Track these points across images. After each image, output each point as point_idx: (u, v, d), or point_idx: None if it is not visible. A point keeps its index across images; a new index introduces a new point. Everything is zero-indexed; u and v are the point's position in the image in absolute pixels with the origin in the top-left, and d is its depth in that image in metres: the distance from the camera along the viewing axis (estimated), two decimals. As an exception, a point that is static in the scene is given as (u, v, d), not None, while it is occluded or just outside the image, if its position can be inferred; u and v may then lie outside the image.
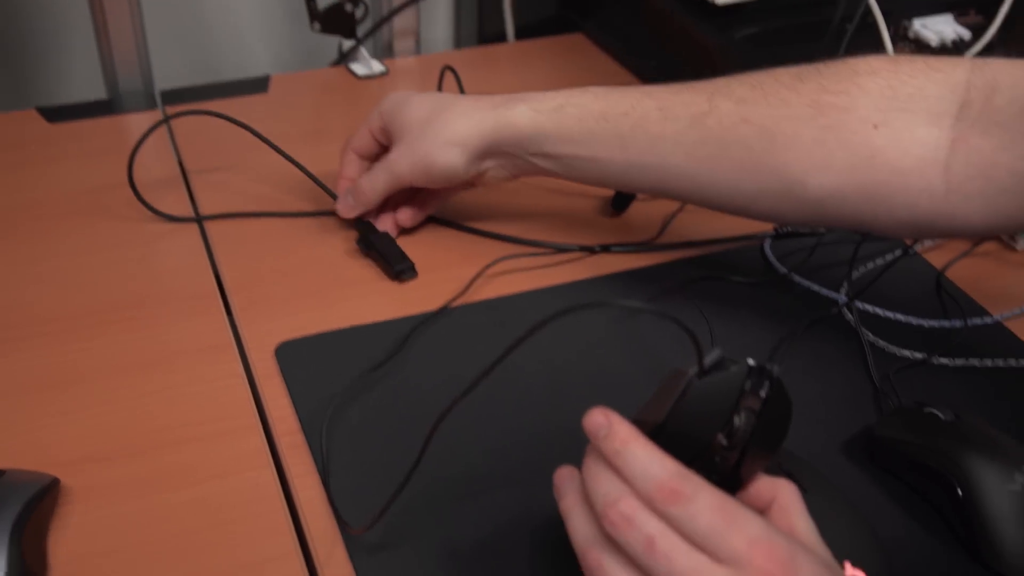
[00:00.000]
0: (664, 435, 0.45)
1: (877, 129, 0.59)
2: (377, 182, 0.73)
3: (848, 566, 0.50)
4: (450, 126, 0.69)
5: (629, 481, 0.43)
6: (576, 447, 0.46)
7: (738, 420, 0.45)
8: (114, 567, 0.52)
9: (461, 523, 0.55)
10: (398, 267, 0.73)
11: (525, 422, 0.62)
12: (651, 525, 0.42)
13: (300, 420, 0.61)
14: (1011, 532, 0.53)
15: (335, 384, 0.63)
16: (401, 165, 0.71)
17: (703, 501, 0.42)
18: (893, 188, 0.59)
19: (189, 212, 0.79)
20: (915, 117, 0.59)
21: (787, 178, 0.62)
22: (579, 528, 0.45)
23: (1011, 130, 0.57)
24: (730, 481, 0.45)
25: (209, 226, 0.77)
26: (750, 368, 0.46)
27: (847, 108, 0.60)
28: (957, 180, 0.58)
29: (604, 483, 0.43)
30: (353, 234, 0.76)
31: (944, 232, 0.61)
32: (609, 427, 0.45)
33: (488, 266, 0.73)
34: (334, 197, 0.77)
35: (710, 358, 0.46)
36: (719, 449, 0.45)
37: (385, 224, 0.76)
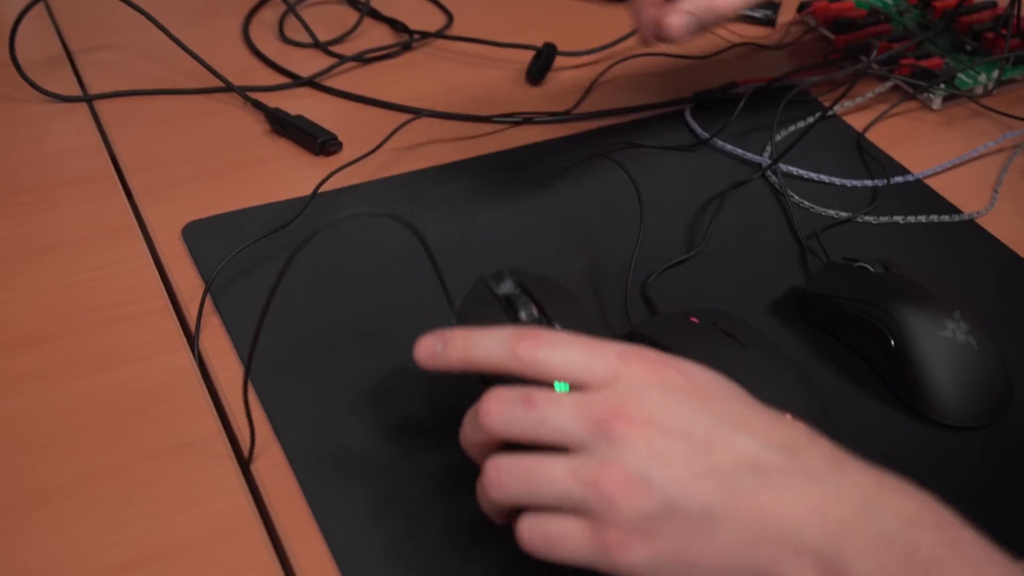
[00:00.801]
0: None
1: None
2: None
3: (789, 418, 0.50)
4: None
5: (486, 358, 0.42)
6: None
7: (525, 315, 0.48)
8: (28, 459, 0.49)
9: (365, 375, 0.54)
10: (322, 138, 0.69)
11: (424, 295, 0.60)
12: (520, 389, 0.41)
13: (213, 300, 0.58)
14: (943, 378, 0.53)
15: (248, 262, 0.60)
16: None
17: (558, 336, 0.41)
18: None
19: (77, 91, 0.74)
20: None
21: None
22: (470, 447, 0.44)
23: None
24: None
25: (100, 106, 0.72)
26: (485, 277, 0.50)
27: None
28: None
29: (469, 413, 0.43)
30: (258, 114, 0.72)
31: None
32: (441, 339, 0.43)
33: (401, 126, 0.70)
34: (226, 83, 0.73)
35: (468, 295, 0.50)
36: None
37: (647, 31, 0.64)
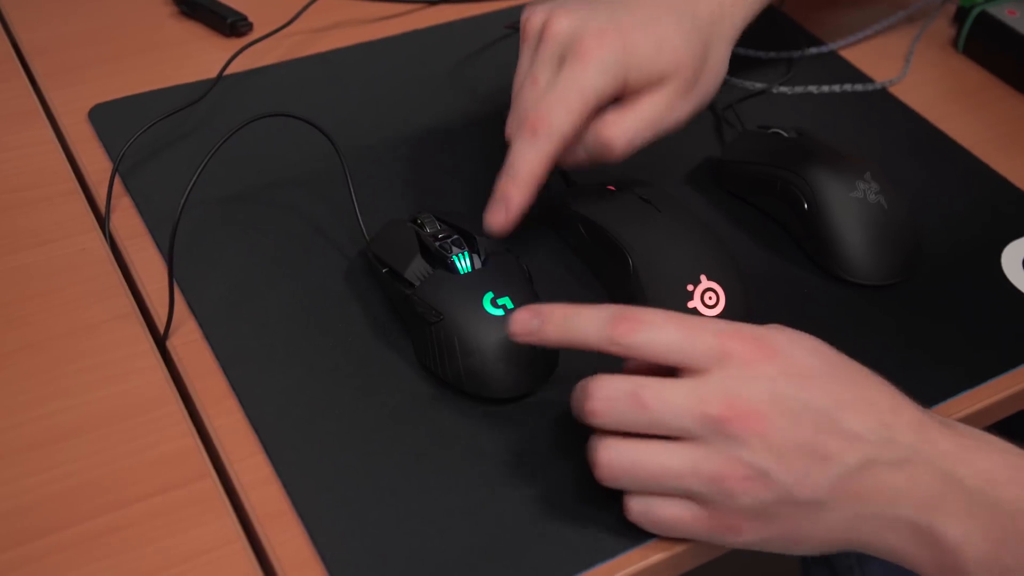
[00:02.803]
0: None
1: None
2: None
3: (704, 279, 0.51)
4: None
5: (583, 339, 0.42)
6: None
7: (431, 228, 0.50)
8: (-67, 342, 0.48)
9: (280, 248, 0.54)
10: (231, 19, 0.67)
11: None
12: (624, 384, 0.41)
13: (123, 181, 0.56)
14: (854, 239, 0.54)
15: (157, 143, 0.59)
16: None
17: (654, 317, 0.41)
18: None
19: (-27, -25, 0.71)
20: None
21: None
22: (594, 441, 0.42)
23: None
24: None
25: (-2, -10, 0.70)
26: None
27: None
28: None
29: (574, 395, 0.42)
30: (164, -6, 0.70)
31: None
32: (538, 316, 0.43)
33: (310, 3, 0.68)
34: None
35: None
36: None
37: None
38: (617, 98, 0.51)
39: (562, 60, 0.50)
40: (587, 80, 0.48)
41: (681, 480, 0.40)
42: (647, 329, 0.41)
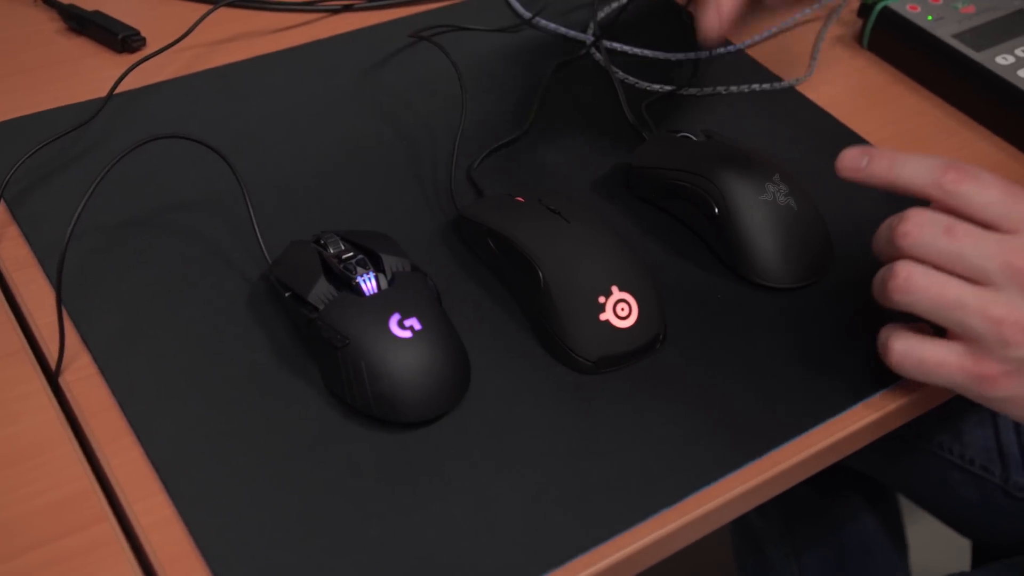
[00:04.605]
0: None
1: None
2: None
3: (616, 289, 0.50)
4: None
5: (908, 180, 0.45)
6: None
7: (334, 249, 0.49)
8: None
9: (176, 279, 0.51)
10: (123, 34, 0.65)
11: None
12: (940, 216, 0.44)
13: (10, 209, 0.54)
14: (765, 242, 0.54)
15: (45, 168, 0.56)
16: None
17: (985, 174, 0.44)
18: None
19: None
20: None
21: None
22: (880, 247, 0.46)
23: None
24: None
25: None
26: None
27: None
28: None
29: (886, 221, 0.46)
30: (50, 11, 0.67)
31: None
32: (867, 154, 0.46)
33: (204, 16, 0.66)
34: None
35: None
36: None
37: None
38: None
39: None
40: None
41: (968, 315, 0.43)
42: (975, 183, 0.44)
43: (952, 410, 0.77)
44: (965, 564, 0.88)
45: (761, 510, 0.95)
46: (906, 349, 0.46)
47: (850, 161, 0.47)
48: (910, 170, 0.45)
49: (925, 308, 0.44)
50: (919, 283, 0.44)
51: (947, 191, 0.44)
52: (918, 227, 0.44)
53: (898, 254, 0.45)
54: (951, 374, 0.45)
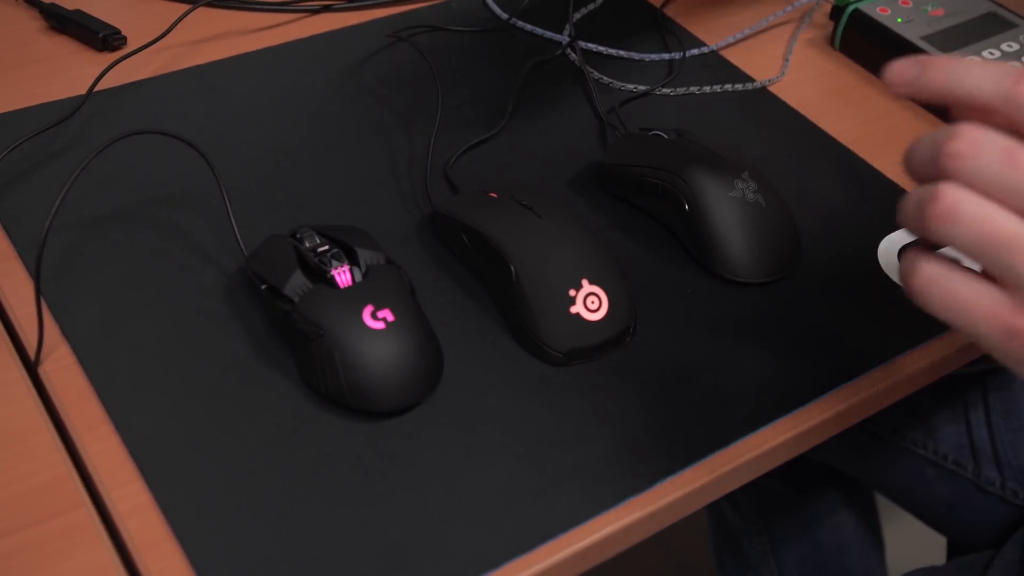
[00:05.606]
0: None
1: None
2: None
3: (586, 283, 0.51)
4: None
5: (971, 90, 0.37)
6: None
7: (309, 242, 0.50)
8: None
9: (154, 270, 0.52)
10: (103, 32, 0.65)
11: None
12: (1000, 137, 0.36)
13: (-8, 205, 0.55)
14: (734, 238, 0.55)
15: (25, 164, 0.57)
16: None
17: None
18: None
19: None
20: None
21: None
22: (915, 164, 0.38)
23: None
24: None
25: None
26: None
27: None
28: None
29: (930, 135, 0.37)
30: (32, 10, 0.68)
31: None
32: (919, 63, 0.38)
33: (183, 15, 0.67)
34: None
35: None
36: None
37: None
38: None
39: None
40: None
41: (1019, 258, 0.35)
42: None
43: (925, 407, 0.78)
44: (940, 561, 0.89)
45: (738, 507, 0.97)
46: (936, 276, 0.38)
47: (900, 75, 0.39)
48: (973, 78, 0.37)
49: (968, 242, 0.36)
50: (969, 213, 0.36)
51: (1019, 104, 0.36)
52: (973, 147, 0.36)
53: (942, 175, 0.37)
54: (978, 320, 0.37)
